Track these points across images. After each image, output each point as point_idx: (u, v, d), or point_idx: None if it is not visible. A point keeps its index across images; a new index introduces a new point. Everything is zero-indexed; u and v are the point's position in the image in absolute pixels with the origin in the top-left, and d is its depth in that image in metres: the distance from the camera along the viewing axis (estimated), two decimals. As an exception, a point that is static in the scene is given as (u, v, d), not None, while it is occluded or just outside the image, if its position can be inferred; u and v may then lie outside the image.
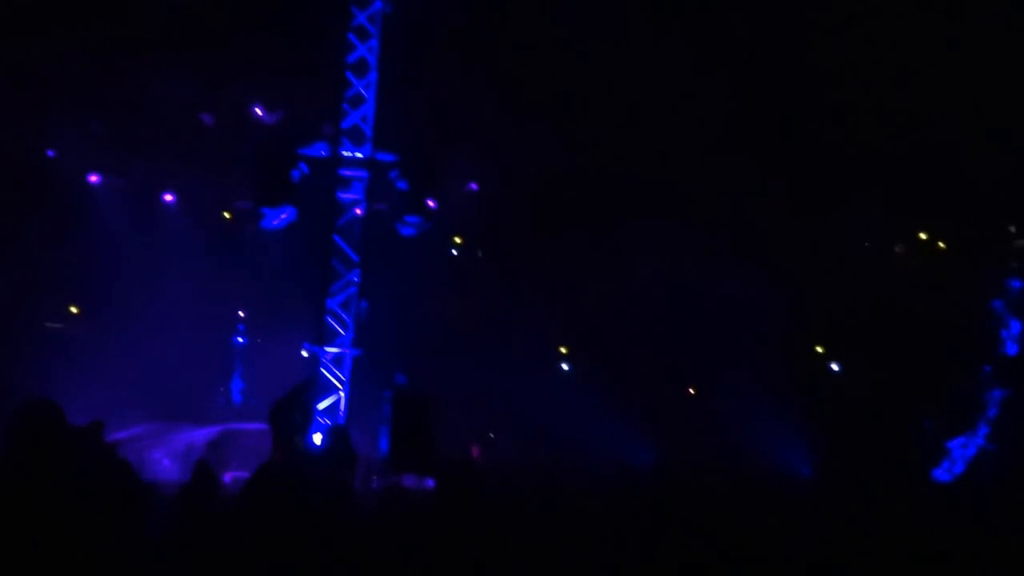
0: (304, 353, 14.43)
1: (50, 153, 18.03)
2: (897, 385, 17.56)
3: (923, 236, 19.43)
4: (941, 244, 19.32)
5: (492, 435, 17.92)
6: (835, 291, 18.91)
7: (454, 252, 20.00)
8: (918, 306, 18.34)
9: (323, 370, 13.47)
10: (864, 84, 15.95)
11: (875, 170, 16.96)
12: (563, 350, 20.69)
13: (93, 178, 18.65)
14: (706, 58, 15.18)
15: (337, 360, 13.60)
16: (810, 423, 17.65)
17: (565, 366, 20.63)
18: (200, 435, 14.90)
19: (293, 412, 11.23)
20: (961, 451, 17.22)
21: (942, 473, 17.10)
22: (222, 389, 18.36)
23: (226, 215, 19.73)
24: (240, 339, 18.66)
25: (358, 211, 14.32)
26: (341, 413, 13.47)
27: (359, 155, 13.80)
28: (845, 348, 19.04)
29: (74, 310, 19.54)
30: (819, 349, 19.61)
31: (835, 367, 19.55)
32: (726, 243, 18.31)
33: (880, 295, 18.65)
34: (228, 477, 13.86)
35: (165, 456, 14.50)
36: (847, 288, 18.73)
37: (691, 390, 18.96)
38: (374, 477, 13.84)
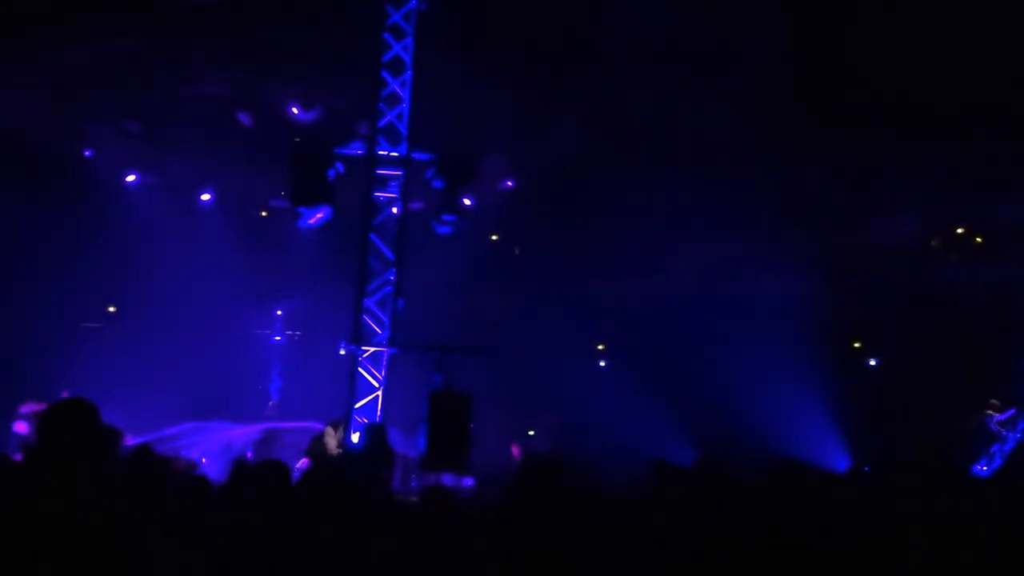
0: (341, 352, 14.42)
1: (87, 153, 18.17)
2: (935, 380, 17.32)
3: (960, 230, 19.18)
4: (979, 238, 19.04)
5: (531, 432, 17.88)
6: (872, 284, 18.71)
7: (491, 250, 19.96)
8: (956, 300, 18.11)
9: (360, 369, 13.44)
10: (899, 75, 15.71)
11: (912, 162, 16.74)
12: (600, 347, 20.61)
13: (130, 177, 18.78)
14: (740, 49, 15.00)
15: (374, 358, 13.57)
16: (848, 418, 17.47)
17: (603, 363, 20.56)
18: (238, 434, 14.96)
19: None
20: (999, 446, 16.99)
21: (980, 468, 16.87)
22: (260, 388, 18.44)
23: (263, 214, 19.82)
24: (277, 338, 18.73)
25: (394, 210, 14.28)
26: (378, 412, 13.44)
27: (395, 154, 13.76)
28: (883, 343, 18.82)
29: (112, 309, 19.70)
30: (856, 344, 19.40)
31: (872, 362, 19.34)
32: (763, 237, 18.13)
33: (918, 289, 18.44)
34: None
35: (203, 454, 14.55)
36: (885, 281, 18.52)
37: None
38: (413, 476, 13.83)
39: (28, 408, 13.77)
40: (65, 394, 9.66)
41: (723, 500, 5.67)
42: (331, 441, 13.10)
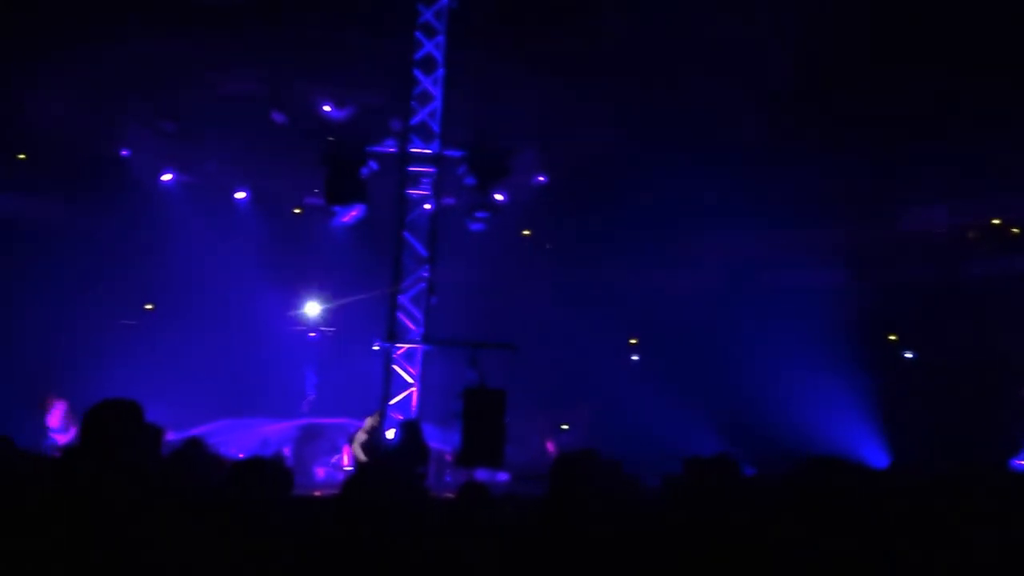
0: (375, 348, 14.48)
1: (124, 152, 18.34)
2: (971, 372, 17.11)
3: (996, 221, 18.92)
4: (1015, 229, 18.78)
5: (564, 427, 17.86)
6: (906, 277, 18.53)
7: (522, 245, 19.96)
8: (991, 292, 17.87)
9: (395, 365, 13.48)
10: (931, 65, 15.51)
11: (945, 153, 16.57)
12: (632, 341, 20.55)
13: (166, 177, 18.95)
14: (769, 39, 14.88)
15: (408, 355, 13.61)
16: (883, 412, 17.30)
17: (634, 357, 20.50)
18: (274, 430, 15.06)
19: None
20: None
21: (1019, 462, 16.63)
22: (295, 384, 18.54)
23: (296, 212, 19.94)
24: (312, 334, 18.82)
25: (427, 206, 14.32)
26: (413, 408, 13.48)
27: (427, 151, 13.78)
28: (917, 336, 18.61)
29: (148, 307, 19.89)
30: (892, 337, 19.19)
31: (908, 355, 19.12)
32: (795, 230, 17.99)
33: (952, 281, 18.23)
34: (318, 470, 14.01)
35: (240, 451, 14.65)
36: (919, 274, 18.33)
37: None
38: (447, 471, 13.87)
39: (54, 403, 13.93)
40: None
41: (750, 494, 5.64)
42: (362, 435, 13.15)
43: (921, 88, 15.54)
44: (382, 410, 13.03)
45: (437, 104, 13.86)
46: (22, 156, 18.49)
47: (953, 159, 16.47)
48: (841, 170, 17.10)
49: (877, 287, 18.49)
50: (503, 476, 13.48)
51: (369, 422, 12.68)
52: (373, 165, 13.63)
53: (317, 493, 11.22)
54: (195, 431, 14.77)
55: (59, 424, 14.55)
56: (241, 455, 14.42)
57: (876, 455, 16.14)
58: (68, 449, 4.72)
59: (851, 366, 17.07)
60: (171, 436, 12.32)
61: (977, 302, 17.79)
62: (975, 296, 17.93)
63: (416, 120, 13.82)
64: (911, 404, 17.01)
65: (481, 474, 12.35)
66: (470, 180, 13.80)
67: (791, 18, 14.56)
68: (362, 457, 12.19)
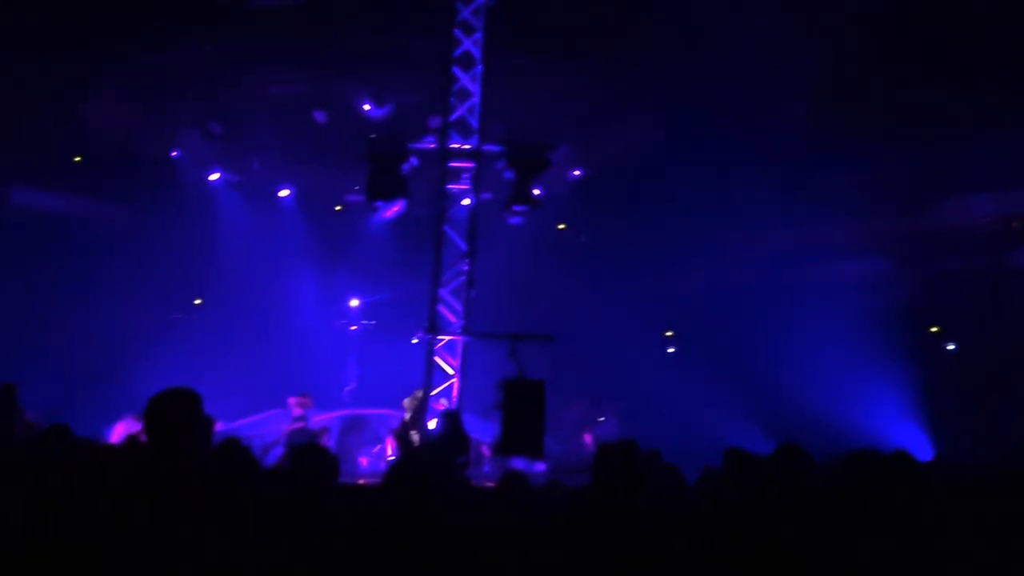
0: (415, 340, 14.47)
1: (174, 153, 18.51)
2: (1016, 365, 16.68)
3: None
4: None
5: (602, 419, 17.75)
6: (949, 268, 18.17)
7: (560, 239, 19.88)
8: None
9: (436, 357, 13.45)
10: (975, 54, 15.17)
11: (989, 142, 16.24)
12: (669, 334, 20.38)
13: (214, 176, 19.09)
14: (814, 31, 14.65)
15: (449, 347, 13.58)
16: (925, 405, 16.96)
17: (671, 349, 20.33)
18: (319, 420, 15.06)
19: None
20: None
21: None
22: (338, 376, 18.58)
23: (338, 208, 20.01)
24: (354, 327, 18.86)
25: (466, 201, 14.27)
26: (454, 399, 13.45)
27: (467, 147, 13.73)
28: (961, 327, 18.20)
29: (198, 301, 20.06)
30: (934, 329, 18.81)
31: (951, 347, 18.73)
32: (836, 221, 17.72)
33: (996, 271, 17.84)
34: (362, 460, 14.03)
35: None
36: (962, 264, 17.96)
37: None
38: (485, 461, 13.81)
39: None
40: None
41: (802, 488, 5.51)
42: (408, 402, 13.18)
43: (964, 76, 15.24)
44: (426, 390, 13.05)
45: (475, 100, 13.81)
46: (78, 159, 18.75)
47: (998, 148, 16.13)
48: (882, 161, 16.82)
49: (919, 278, 18.16)
50: (541, 466, 13.39)
51: (416, 395, 12.75)
52: (414, 161, 13.60)
53: (361, 481, 11.20)
54: (242, 422, 14.91)
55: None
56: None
57: (920, 448, 15.80)
58: (132, 437, 4.73)
59: (893, 358, 16.75)
60: (219, 427, 12.42)
61: (1021, 292, 17.39)
62: (1020, 286, 17.54)
63: (455, 116, 13.76)
64: (955, 396, 16.62)
65: (519, 463, 12.26)
66: (509, 175, 13.72)
67: (830, 9, 14.36)
68: (410, 434, 12.30)
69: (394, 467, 4.62)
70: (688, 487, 6.88)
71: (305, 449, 5.23)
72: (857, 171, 16.74)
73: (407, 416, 13.15)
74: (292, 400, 14.45)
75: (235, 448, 6.62)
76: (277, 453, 12.85)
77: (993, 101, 15.41)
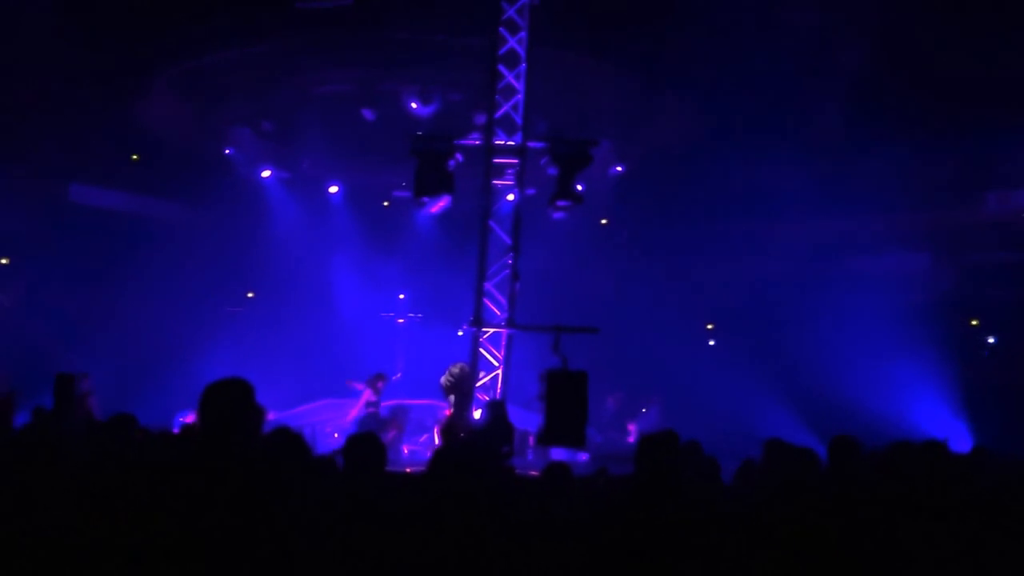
0: (460, 332, 14.53)
1: (228, 151, 18.73)
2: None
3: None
4: None
5: (644, 410, 17.70)
6: (988, 261, 17.87)
7: (601, 233, 19.82)
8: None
9: (481, 349, 13.51)
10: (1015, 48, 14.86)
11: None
12: (709, 326, 20.26)
13: (265, 173, 19.30)
14: (852, 19, 14.45)
15: (494, 338, 13.63)
16: (966, 397, 16.69)
17: (712, 342, 20.20)
18: (387, 407, 15.16)
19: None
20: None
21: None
22: (386, 367, 18.71)
23: (385, 204, 20.12)
24: (401, 320, 18.97)
25: (510, 197, 14.29)
26: (499, 389, 13.49)
27: (511, 143, 13.76)
28: (1001, 320, 17.89)
29: (250, 295, 20.29)
30: (974, 322, 18.51)
31: (991, 340, 18.43)
32: (876, 214, 17.49)
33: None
34: (405, 449, 14.14)
35: (336, 429, 14.84)
36: (1001, 258, 17.66)
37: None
38: (529, 450, 13.84)
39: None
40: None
41: (850, 480, 5.47)
42: (445, 379, 13.14)
43: (1006, 71, 14.97)
44: (472, 381, 13.08)
45: (520, 97, 13.84)
46: (135, 157, 19.04)
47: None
48: (923, 154, 16.58)
49: (959, 271, 17.89)
50: (583, 456, 13.40)
51: (452, 371, 12.77)
52: (459, 157, 13.66)
53: (408, 470, 11.29)
54: (294, 411, 15.08)
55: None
56: (336, 434, 14.62)
57: (958, 439, 15.55)
58: (187, 426, 4.81)
59: (933, 351, 16.51)
60: (275, 416, 12.58)
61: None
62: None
63: (500, 113, 13.79)
64: (995, 389, 16.34)
65: (561, 453, 12.27)
66: (552, 170, 13.72)
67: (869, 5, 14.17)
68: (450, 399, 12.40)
69: (438, 455, 4.66)
70: (723, 479, 6.88)
71: (355, 438, 5.29)
72: (897, 164, 16.50)
73: (449, 395, 13.13)
74: (360, 385, 14.45)
75: (287, 436, 6.73)
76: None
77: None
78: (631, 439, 16.33)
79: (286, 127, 18.09)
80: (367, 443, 5.20)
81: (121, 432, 6.47)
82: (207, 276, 18.43)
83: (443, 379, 12.84)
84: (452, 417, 12.57)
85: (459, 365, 12.91)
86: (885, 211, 17.44)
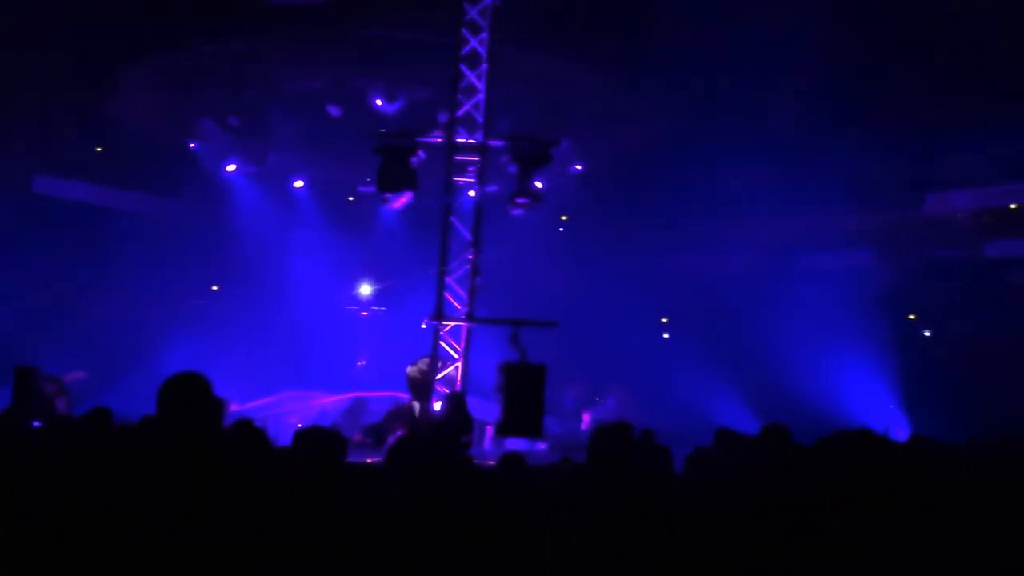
0: (423, 326, 14.52)
1: (193, 145, 18.54)
2: (990, 352, 16.71)
3: (1012, 206, 18.49)
4: (1013, 205, 18.32)
5: (599, 400, 17.82)
6: (928, 259, 18.22)
7: (561, 230, 19.90)
8: (1009, 274, 17.52)
9: (442, 342, 13.52)
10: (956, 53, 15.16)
11: (967, 139, 16.26)
12: (664, 320, 20.42)
13: (231, 167, 19.13)
14: (809, 33, 14.63)
15: (454, 332, 13.65)
16: (904, 389, 17.02)
17: (666, 335, 20.37)
18: (331, 402, 15.17)
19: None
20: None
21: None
22: (349, 359, 18.66)
23: (350, 199, 20.04)
24: (365, 313, 18.92)
25: (471, 193, 14.31)
26: (458, 382, 13.52)
27: (472, 141, 13.78)
28: (938, 316, 18.25)
29: (215, 288, 20.11)
30: (911, 317, 18.86)
31: (927, 333, 18.78)
32: (823, 213, 17.73)
33: (972, 263, 17.88)
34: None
35: (299, 421, 14.78)
36: (940, 256, 18.01)
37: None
38: (487, 439, 13.90)
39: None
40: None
41: (789, 466, 5.55)
42: (413, 371, 13.16)
43: (949, 79, 15.26)
44: (431, 373, 13.10)
45: (481, 97, 13.85)
46: (100, 149, 18.78)
47: (976, 148, 16.15)
48: (870, 156, 16.85)
49: (900, 268, 18.22)
50: (541, 446, 13.47)
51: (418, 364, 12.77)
52: (422, 155, 13.66)
53: (369, 460, 11.29)
54: (258, 403, 15.00)
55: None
56: (299, 425, 14.55)
57: (898, 429, 15.85)
58: (144, 419, 4.76)
59: (876, 344, 16.83)
60: (237, 408, 12.50)
61: (995, 283, 17.45)
62: (994, 277, 17.60)
63: (462, 112, 13.80)
64: (931, 380, 16.68)
65: (520, 444, 12.32)
66: (512, 168, 13.76)
67: (825, 12, 14.33)
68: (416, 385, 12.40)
69: (396, 446, 4.67)
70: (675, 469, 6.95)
71: (311, 430, 5.26)
72: (845, 165, 16.77)
73: (413, 385, 13.15)
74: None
75: (248, 429, 6.69)
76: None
77: (974, 105, 15.46)
78: (584, 427, 16.44)
79: (252, 122, 17.94)
80: (325, 435, 5.18)
81: (95, 427, 6.35)
82: (172, 269, 18.24)
83: (411, 369, 12.88)
84: (412, 407, 12.59)
85: (428, 359, 13.01)
86: (832, 210, 17.69)
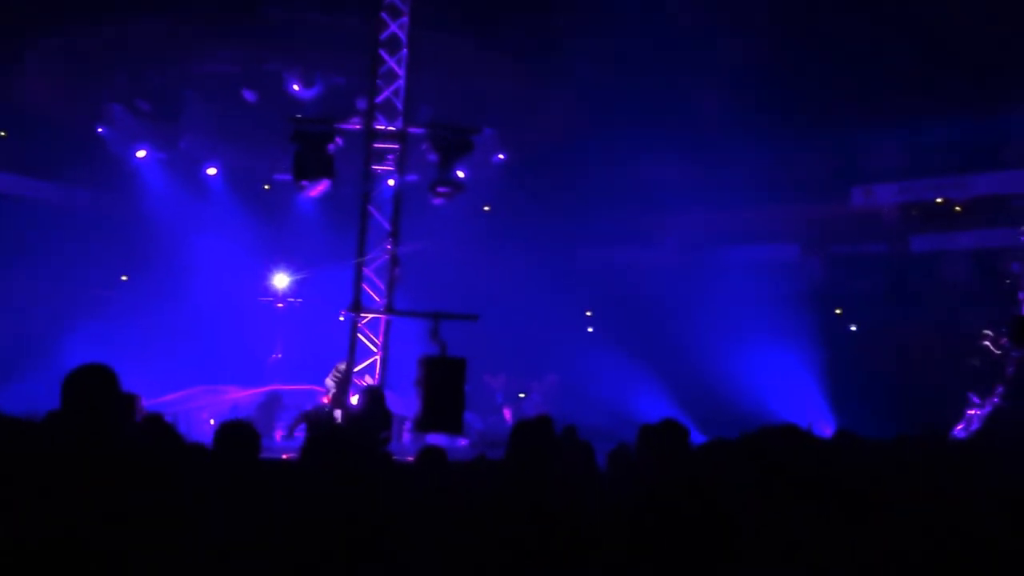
0: (341, 318, 14.30)
1: (101, 129, 17.98)
2: (915, 344, 17.08)
3: (939, 200, 18.94)
4: (957, 208, 18.78)
5: (522, 395, 17.80)
6: (854, 252, 18.58)
7: (483, 220, 19.80)
8: (935, 266, 17.94)
9: (359, 335, 13.32)
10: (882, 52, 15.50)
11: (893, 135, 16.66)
12: (588, 313, 20.49)
13: (141, 153, 18.60)
14: (732, 24, 14.79)
15: (373, 324, 13.46)
16: (830, 382, 17.31)
17: (590, 328, 20.44)
18: (245, 396, 14.86)
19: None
20: (978, 409, 16.67)
21: (960, 432, 16.59)
22: (264, 353, 18.32)
23: (266, 187, 19.66)
24: (280, 305, 18.59)
25: (391, 182, 14.11)
26: (376, 375, 13.34)
27: (392, 128, 13.57)
28: (869, 308, 18.57)
29: (124, 278, 19.53)
30: (838, 311, 19.20)
31: (853, 327, 19.13)
32: (749, 207, 17.96)
33: (898, 256, 18.29)
34: (278, 436, 13.84)
35: (212, 416, 14.46)
36: (866, 249, 18.38)
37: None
38: (405, 435, 13.76)
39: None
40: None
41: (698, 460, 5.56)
42: (330, 381, 13.02)
43: (872, 73, 15.58)
44: (349, 366, 12.92)
45: (401, 83, 13.64)
46: (3, 133, 18.12)
47: (900, 142, 16.53)
48: (794, 150, 17.12)
49: (826, 262, 18.56)
50: (463, 442, 13.38)
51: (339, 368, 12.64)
52: (339, 141, 13.38)
53: (284, 456, 11.07)
54: (170, 397, 14.59)
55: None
56: (212, 420, 14.23)
57: (823, 424, 16.14)
58: (50, 413, 4.56)
59: (800, 338, 17.07)
60: (149, 402, 12.13)
61: (925, 276, 17.83)
62: (919, 270, 18.01)
63: (381, 98, 13.58)
64: (856, 374, 16.98)
65: (440, 439, 12.21)
66: (433, 157, 13.58)
67: (749, 3, 14.51)
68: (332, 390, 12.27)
69: (309, 443, 4.53)
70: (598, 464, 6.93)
71: (227, 425, 5.10)
72: (770, 158, 17.01)
73: (331, 393, 12.99)
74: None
75: (158, 424, 6.46)
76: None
77: (897, 100, 15.80)
78: (508, 424, 16.41)
79: (163, 106, 17.46)
80: (240, 429, 5.03)
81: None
82: (80, 258, 17.62)
83: (328, 381, 12.77)
84: (323, 405, 12.41)
85: (344, 364, 12.85)
86: (758, 203, 17.92)
